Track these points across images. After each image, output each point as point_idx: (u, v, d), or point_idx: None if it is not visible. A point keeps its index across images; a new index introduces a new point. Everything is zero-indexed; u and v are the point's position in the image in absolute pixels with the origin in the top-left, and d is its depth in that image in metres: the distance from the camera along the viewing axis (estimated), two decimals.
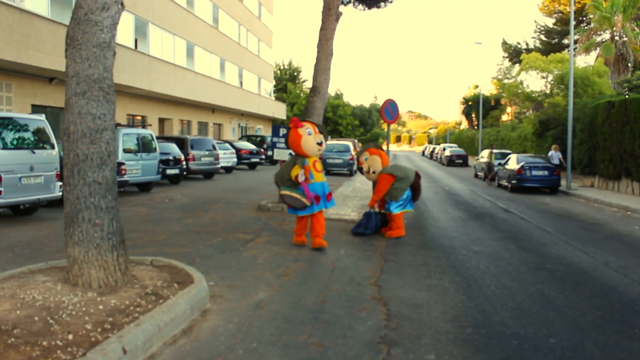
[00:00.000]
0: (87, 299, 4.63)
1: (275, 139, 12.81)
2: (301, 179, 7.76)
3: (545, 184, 18.83)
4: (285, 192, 7.91)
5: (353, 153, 26.10)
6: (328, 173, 26.32)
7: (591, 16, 35.16)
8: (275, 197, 13.86)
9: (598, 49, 34.55)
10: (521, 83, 41.35)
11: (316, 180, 7.98)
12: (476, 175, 27.10)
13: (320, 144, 8.00)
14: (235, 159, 25.36)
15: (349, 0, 15.64)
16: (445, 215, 12.45)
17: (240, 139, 34.73)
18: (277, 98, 54.21)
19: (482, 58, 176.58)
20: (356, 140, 39.42)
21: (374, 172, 9.42)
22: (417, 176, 9.56)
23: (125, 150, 14.83)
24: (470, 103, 63.79)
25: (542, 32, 47.25)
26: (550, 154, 21.41)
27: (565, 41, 43.02)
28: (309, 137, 7.92)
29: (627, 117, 17.22)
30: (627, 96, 21.56)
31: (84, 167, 4.98)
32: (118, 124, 15.09)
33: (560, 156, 20.94)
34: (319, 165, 8.14)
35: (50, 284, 4.99)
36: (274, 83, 53.47)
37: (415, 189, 9.55)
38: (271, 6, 48.71)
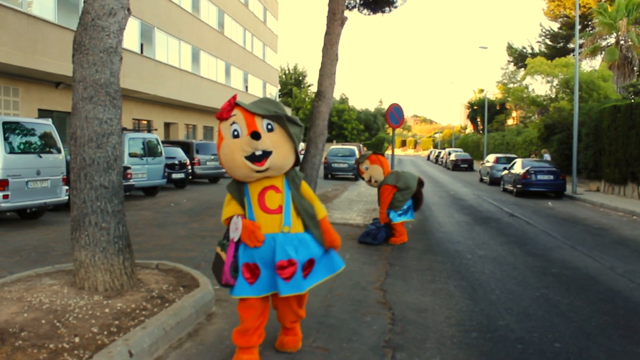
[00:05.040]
0: (93, 302, 4.65)
1: None
2: (233, 235, 3.82)
3: (551, 189, 18.78)
4: (218, 249, 3.94)
5: (356, 158, 26.13)
6: (333, 177, 26.40)
7: (596, 20, 35.10)
8: None
9: (603, 53, 34.48)
10: (526, 87, 41.27)
11: (263, 231, 3.82)
12: (481, 180, 27.05)
13: (259, 157, 3.72)
14: None
15: (354, 5, 15.66)
16: (451, 220, 12.44)
17: None
18: (282, 102, 54.33)
19: (487, 62, 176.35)
20: (361, 145, 39.48)
21: (375, 182, 9.25)
22: (420, 184, 9.35)
23: (131, 155, 14.91)
24: (475, 107, 63.73)
25: (547, 37, 47.18)
26: (545, 157, 23.87)
27: (571, 45, 42.94)
28: (233, 142, 3.77)
29: (632, 122, 17.17)
30: (632, 100, 21.49)
31: (90, 171, 5.02)
32: (124, 129, 15.16)
33: (549, 157, 23.76)
34: (273, 199, 3.88)
35: (57, 287, 5.02)
36: (279, 87, 53.65)
37: (418, 199, 9.39)
38: (276, 11, 48.88)
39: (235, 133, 3.76)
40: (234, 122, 3.79)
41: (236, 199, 3.94)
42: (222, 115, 3.82)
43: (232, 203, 3.96)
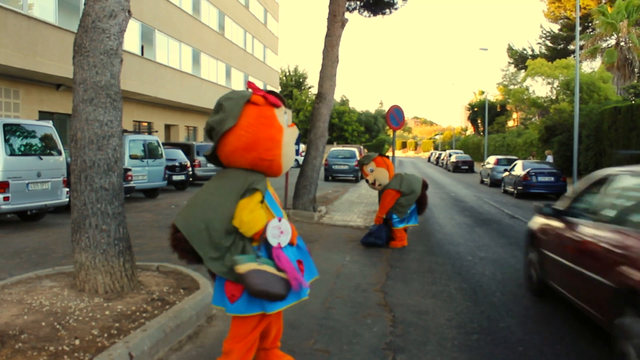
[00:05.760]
0: (93, 304, 4.65)
1: None
2: (277, 240, 3.44)
3: (552, 190, 18.75)
4: (249, 266, 3.32)
5: (359, 159, 26.11)
6: (334, 179, 26.42)
7: (596, 22, 35.14)
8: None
9: (603, 54, 34.53)
10: (527, 89, 41.33)
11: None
12: (482, 182, 27.04)
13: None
14: None
15: (354, 7, 15.67)
16: (451, 222, 12.43)
17: None
18: None
19: (487, 64, 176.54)
20: (362, 147, 39.48)
21: (379, 185, 8.99)
22: (424, 186, 9.14)
23: (132, 157, 14.90)
24: (476, 109, 63.77)
25: (548, 38, 47.26)
26: (548, 158, 23.61)
27: (571, 47, 43.02)
28: (289, 131, 3.73)
29: (633, 123, 17.18)
30: (633, 102, 21.49)
31: (91, 174, 5.02)
32: (124, 130, 15.16)
33: (551, 159, 23.35)
34: (276, 195, 3.80)
35: (57, 290, 5.02)
36: (279, 89, 53.64)
37: (422, 203, 9.15)
38: (277, 13, 48.92)
39: (288, 124, 3.75)
40: (286, 112, 3.74)
41: (253, 196, 3.49)
42: (276, 101, 3.63)
43: (253, 203, 3.46)
